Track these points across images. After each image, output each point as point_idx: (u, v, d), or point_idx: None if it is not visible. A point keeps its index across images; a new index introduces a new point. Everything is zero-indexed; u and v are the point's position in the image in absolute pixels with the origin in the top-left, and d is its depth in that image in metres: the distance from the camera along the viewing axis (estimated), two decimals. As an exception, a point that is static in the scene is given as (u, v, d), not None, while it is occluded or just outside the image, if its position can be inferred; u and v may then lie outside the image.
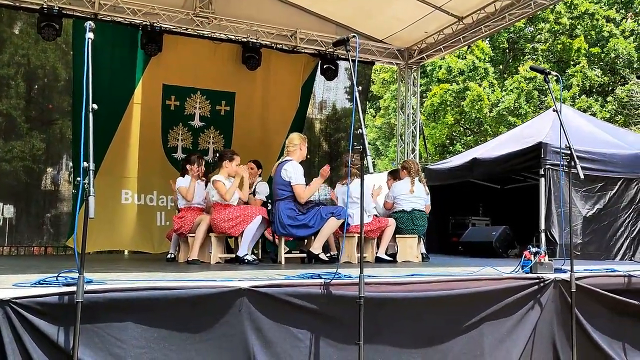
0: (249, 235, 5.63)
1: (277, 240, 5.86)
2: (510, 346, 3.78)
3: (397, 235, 6.46)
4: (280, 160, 5.89)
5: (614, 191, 7.85)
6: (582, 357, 3.96)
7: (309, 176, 6.21)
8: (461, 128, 21.46)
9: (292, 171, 5.58)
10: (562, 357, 3.91)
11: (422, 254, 6.76)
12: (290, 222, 5.53)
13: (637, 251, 7.85)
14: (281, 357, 3.11)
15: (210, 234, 5.81)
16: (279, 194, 5.62)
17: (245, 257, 5.49)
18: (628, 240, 7.86)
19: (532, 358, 3.85)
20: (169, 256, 6.63)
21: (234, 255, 5.82)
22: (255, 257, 5.65)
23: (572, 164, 4.02)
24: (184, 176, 6.46)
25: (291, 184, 5.56)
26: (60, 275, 2.85)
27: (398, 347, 3.41)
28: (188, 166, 6.38)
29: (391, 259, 6.20)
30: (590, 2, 19.87)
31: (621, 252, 7.78)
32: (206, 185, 6.35)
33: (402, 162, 7.21)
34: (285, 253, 5.83)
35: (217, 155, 6.08)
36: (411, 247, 6.41)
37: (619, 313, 4.18)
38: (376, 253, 6.24)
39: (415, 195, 6.62)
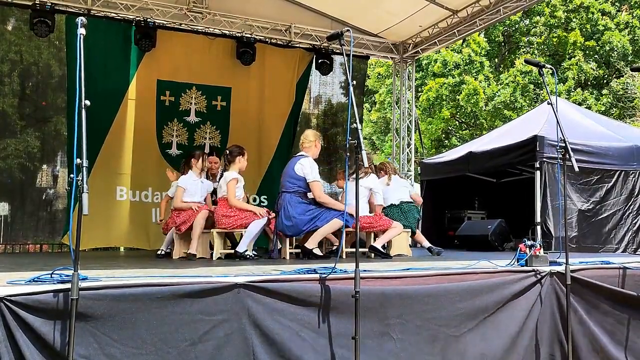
0: (254, 230, 5.55)
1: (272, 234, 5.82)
2: (508, 338, 3.78)
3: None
4: (295, 154, 5.87)
5: (610, 184, 7.87)
6: (584, 348, 3.98)
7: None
8: (457, 122, 21.47)
9: (309, 168, 5.55)
10: (563, 348, 3.92)
11: (427, 248, 6.75)
12: (298, 213, 5.44)
13: (641, 244, 7.85)
14: (281, 352, 3.10)
15: (212, 230, 5.78)
16: (289, 186, 5.58)
17: (245, 253, 5.42)
18: (630, 233, 7.85)
19: (533, 350, 3.85)
20: (159, 252, 6.49)
21: (233, 251, 5.80)
22: (255, 253, 5.58)
23: (567, 156, 4.03)
24: (185, 173, 6.33)
25: (307, 181, 5.52)
26: (54, 272, 2.83)
27: (398, 343, 3.40)
28: (193, 160, 6.26)
29: (385, 252, 6.09)
30: (585, -5, 19.91)
31: (622, 245, 7.77)
32: (218, 180, 6.28)
33: (379, 165, 7.27)
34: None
35: (228, 152, 6.06)
36: (401, 240, 6.39)
37: (616, 304, 4.19)
38: (372, 243, 6.12)
39: (392, 188, 6.76)
